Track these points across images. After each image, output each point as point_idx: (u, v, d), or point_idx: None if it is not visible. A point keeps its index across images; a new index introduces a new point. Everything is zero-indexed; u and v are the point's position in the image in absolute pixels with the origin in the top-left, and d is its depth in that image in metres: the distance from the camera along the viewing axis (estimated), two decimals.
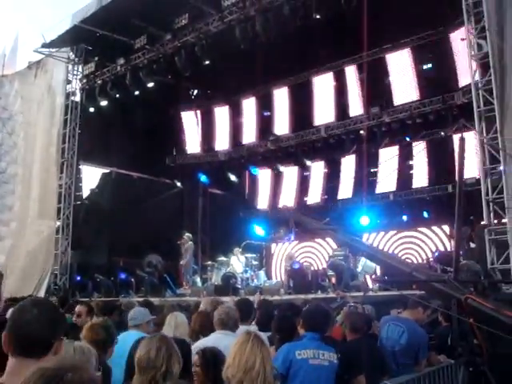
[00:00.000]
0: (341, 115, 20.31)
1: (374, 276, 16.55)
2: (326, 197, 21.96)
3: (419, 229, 19.40)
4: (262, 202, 23.81)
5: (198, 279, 18.93)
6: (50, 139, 20.28)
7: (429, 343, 6.39)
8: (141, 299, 11.43)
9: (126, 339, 5.12)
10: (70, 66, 20.77)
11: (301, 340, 5.32)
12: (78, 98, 20.85)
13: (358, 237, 15.54)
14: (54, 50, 20.21)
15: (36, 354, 2.27)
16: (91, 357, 3.41)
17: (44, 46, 19.77)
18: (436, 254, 17.13)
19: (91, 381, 1.70)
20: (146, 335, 4.80)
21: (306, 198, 22.53)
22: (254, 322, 6.47)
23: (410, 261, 16.54)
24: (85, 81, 20.69)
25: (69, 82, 20.78)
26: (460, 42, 15.99)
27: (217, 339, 5.15)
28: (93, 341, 4.43)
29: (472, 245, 14.34)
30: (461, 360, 4.15)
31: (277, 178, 23.29)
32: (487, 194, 11.96)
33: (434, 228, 19.00)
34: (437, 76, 18.85)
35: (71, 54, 20.55)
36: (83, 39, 19.78)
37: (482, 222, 12.30)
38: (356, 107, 19.83)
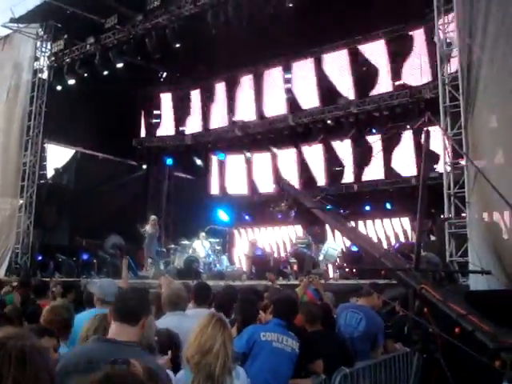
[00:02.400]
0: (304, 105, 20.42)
1: (337, 264, 16.71)
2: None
3: (381, 219, 19.69)
4: (230, 187, 23.72)
5: (161, 262, 18.89)
6: (14, 116, 19.91)
7: (386, 331, 6.56)
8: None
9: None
10: (39, 43, 20.29)
11: (267, 324, 5.49)
12: (45, 76, 20.51)
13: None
14: (22, 25, 19.78)
15: (129, 323, 3.35)
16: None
17: (12, 20, 19.31)
18: (396, 245, 17.40)
19: (33, 348, 1.73)
20: None
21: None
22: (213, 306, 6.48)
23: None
24: (53, 58, 20.33)
25: (36, 58, 20.30)
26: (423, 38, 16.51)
27: (173, 321, 5.12)
28: (53, 321, 4.77)
29: (432, 237, 14.62)
30: (416, 347, 4.28)
31: (247, 163, 23.10)
32: (449, 188, 12.19)
33: (396, 219, 19.30)
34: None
35: (40, 30, 20.12)
36: (53, 16, 19.43)
37: (443, 216, 12.55)
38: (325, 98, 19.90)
